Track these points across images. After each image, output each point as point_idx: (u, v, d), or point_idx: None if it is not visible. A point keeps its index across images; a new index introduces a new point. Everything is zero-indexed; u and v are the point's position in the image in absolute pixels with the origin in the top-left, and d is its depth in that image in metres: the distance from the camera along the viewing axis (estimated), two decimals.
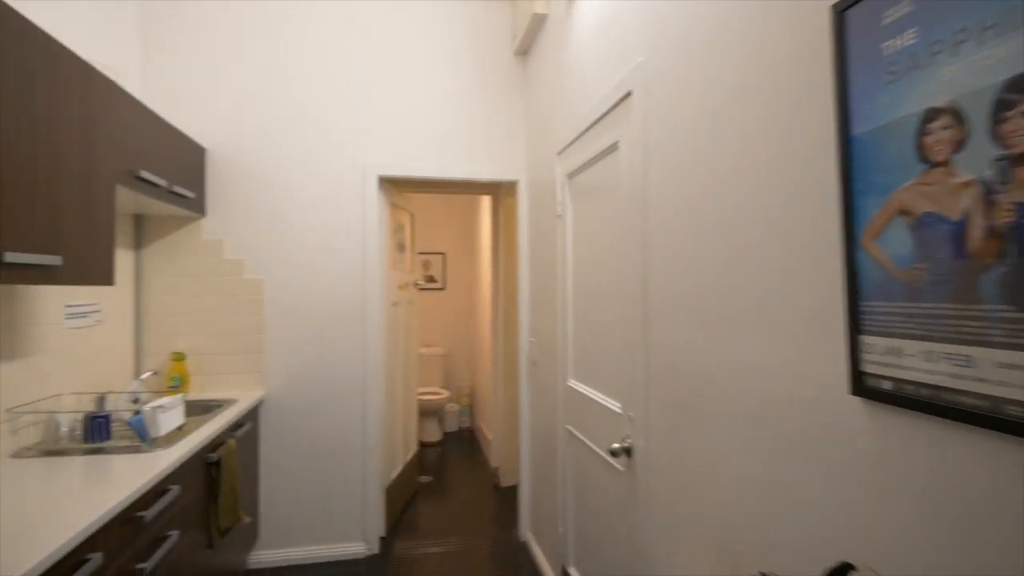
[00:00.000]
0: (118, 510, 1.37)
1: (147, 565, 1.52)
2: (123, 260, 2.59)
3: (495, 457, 4.16)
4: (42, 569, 1.09)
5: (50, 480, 1.51)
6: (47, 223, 1.50)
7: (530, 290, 3.08)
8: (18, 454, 1.71)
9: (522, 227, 3.14)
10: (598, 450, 1.92)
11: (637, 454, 1.59)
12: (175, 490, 1.70)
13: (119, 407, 1.97)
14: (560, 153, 2.43)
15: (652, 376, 1.53)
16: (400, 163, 3.00)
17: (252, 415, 2.69)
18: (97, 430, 1.78)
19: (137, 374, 2.64)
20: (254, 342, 2.81)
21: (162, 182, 2.20)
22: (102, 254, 1.78)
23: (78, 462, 1.66)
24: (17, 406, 1.81)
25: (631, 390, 1.66)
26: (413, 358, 3.83)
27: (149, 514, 1.53)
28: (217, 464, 2.10)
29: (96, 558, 1.28)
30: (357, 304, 2.94)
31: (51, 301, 2.04)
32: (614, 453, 1.64)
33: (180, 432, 1.99)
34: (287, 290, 2.86)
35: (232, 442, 2.23)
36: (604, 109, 1.87)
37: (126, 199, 2.23)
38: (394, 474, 3.34)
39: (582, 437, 2.10)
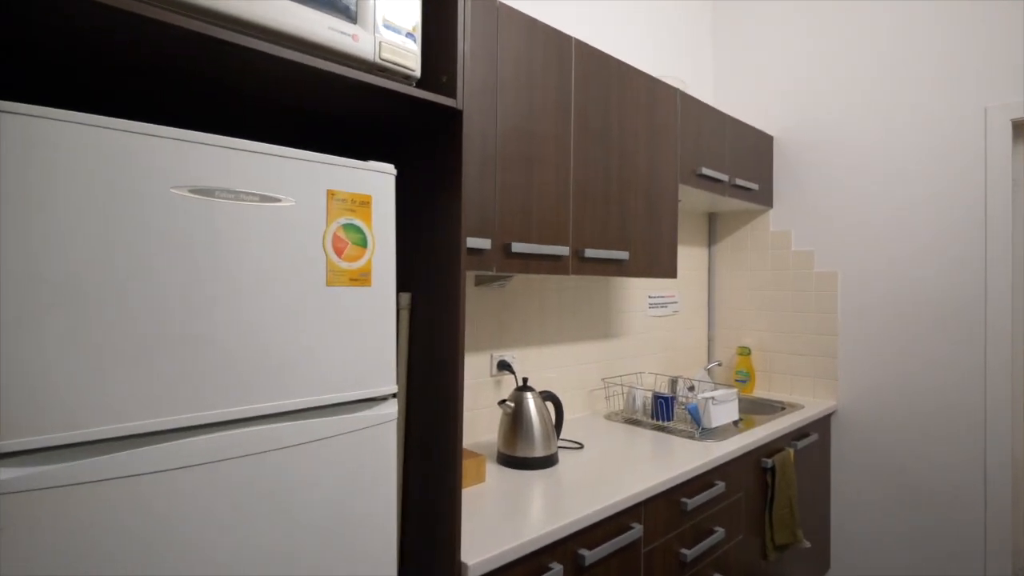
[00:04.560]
0: (659, 490, 1.43)
1: (689, 552, 1.53)
2: (698, 256, 2.79)
3: None
4: (589, 522, 1.23)
5: (626, 444, 1.74)
6: (618, 223, 1.74)
7: None
8: (609, 416, 2.08)
9: None
10: None
11: None
12: (720, 486, 1.65)
13: (682, 392, 2.11)
14: None
15: None
16: None
17: (820, 426, 2.37)
18: (661, 409, 1.95)
19: (708, 363, 2.80)
20: (825, 344, 2.48)
21: (723, 177, 2.22)
22: (666, 249, 1.94)
23: (646, 435, 1.86)
24: (609, 377, 2.21)
25: None
26: None
27: (691, 503, 1.53)
28: (772, 471, 1.93)
29: (637, 528, 1.36)
30: (973, 306, 2.13)
31: (638, 292, 2.40)
32: None
33: (735, 428, 1.94)
34: (866, 286, 2.38)
35: (790, 452, 2.02)
36: None
37: (698, 198, 2.39)
38: None
39: None
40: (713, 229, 2.86)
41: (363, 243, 0.82)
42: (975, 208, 2.14)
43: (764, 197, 2.59)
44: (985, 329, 2.10)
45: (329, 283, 0.79)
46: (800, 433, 2.19)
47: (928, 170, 2.24)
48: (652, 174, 1.88)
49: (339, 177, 0.81)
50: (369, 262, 0.84)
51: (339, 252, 0.80)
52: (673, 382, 2.27)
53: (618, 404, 2.21)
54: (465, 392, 1.71)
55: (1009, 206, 2.07)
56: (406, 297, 1.05)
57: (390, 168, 0.88)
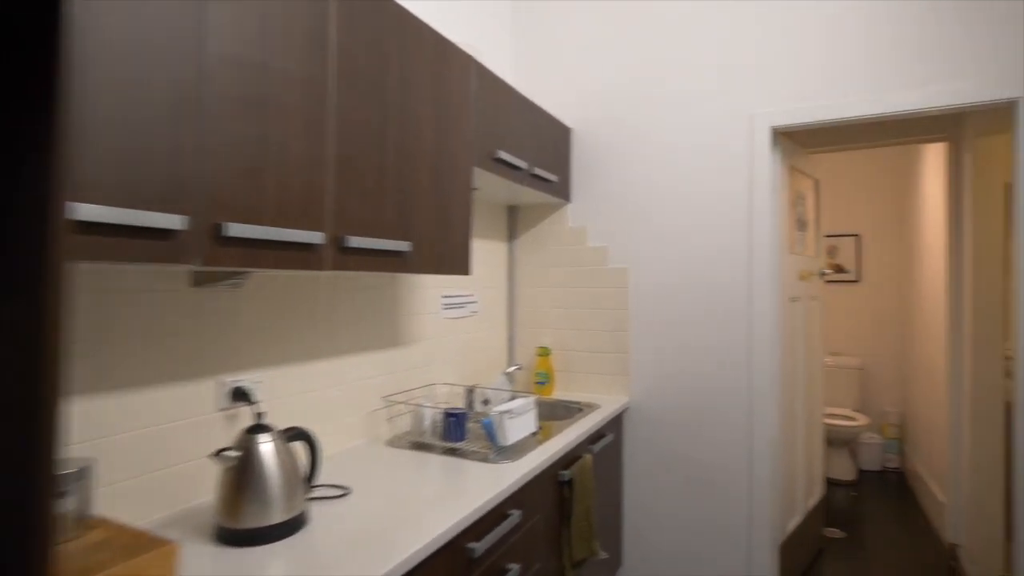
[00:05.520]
0: (441, 542, 1.13)
1: None
2: (499, 251, 2.60)
3: (952, 529, 2.79)
4: None
5: (409, 479, 1.40)
6: (397, 206, 1.40)
7: None
8: (393, 442, 1.73)
9: (1020, 179, 1.86)
10: None
11: None
12: (515, 516, 1.42)
13: (479, 404, 1.87)
14: None
15: None
16: (801, 106, 2.16)
17: (614, 425, 2.34)
18: (453, 428, 1.67)
19: (508, 367, 2.63)
20: (618, 340, 2.46)
21: (522, 164, 2.02)
22: (458, 241, 1.66)
23: (435, 463, 1.55)
24: (394, 393, 1.86)
25: None
26: (818, 371, 2.87)
27: (480, 547, 1.26)
28: (569, 484, 1.78)
29: None
30: (741, 298, 2.25)
31: (431, 292, 2.09)
32: None
33: (534, 439, 1.75)
34: (654, 281, 2.41)
35: (587, 458, 1.89)
36: None
37: (497, 188, 2.16)
38: (791, 525, 2.51)
39: None
40: (513, 223, 2.69)
41: None
42: (743, 209, 2.27)
43: (563, 190, 2.49)
44: (750, 320, 2.23)
45: None
46: (598, 435, 2.11)
47: (705, 172, 2.32)
48: (442, 150, 1.58)
49: None
50: None
51: None
52: (470, 392, 2.02)
53: (405, 425, 1.87)
54: (175, 437, 1.21)
55: (768, 209, 2.22)
56: None
57: None
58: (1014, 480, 1.90)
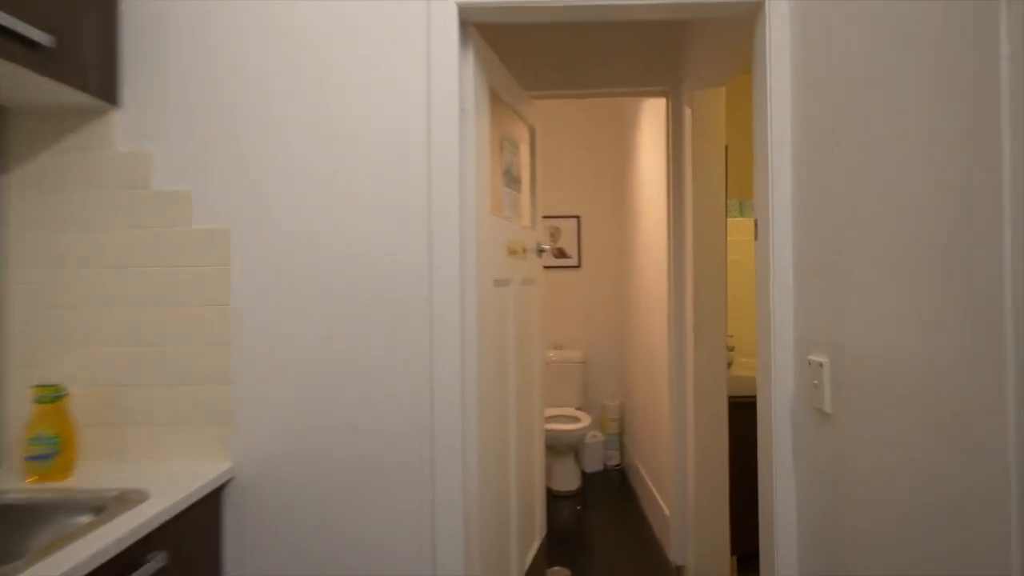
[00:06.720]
0: None
1: None
2: None
3: (678, 548, 2.42)
4: None
5: None
6: None
7: (800, 248, 1.28)
8: None
9: (774, 112, 1.35)
10: None
11: None
12: None
13: None
14: None
15: None
16: None
17: (191, 524, 1.22)
18: None
19: None
20: (212, 363, 1.36)
21: None
22: None
23: None
24: None
25: None
26: (537, 375, 2.21)
27: None
28: None
29: None
30: (417, 281, 1.38)
31: None
32: None
33: None
34: (276, 252, 1.38)
35: None
36: None
37: None
38: None
39: None
40: (1, 143, 1.36)
41: None
42: (414, 139, 1.39)
43: (94, 79, 1.27)
44: (431, 312, 1.37)
45: None
46: (123, 566, 0.97)
47: (360, 71, 1.38)
48: None
49: None
50: None
51: None
52: None
53: None
54: None
55: (456, 145, 1.38)
56: None
57: None
58: (762, 478, 1.40)
